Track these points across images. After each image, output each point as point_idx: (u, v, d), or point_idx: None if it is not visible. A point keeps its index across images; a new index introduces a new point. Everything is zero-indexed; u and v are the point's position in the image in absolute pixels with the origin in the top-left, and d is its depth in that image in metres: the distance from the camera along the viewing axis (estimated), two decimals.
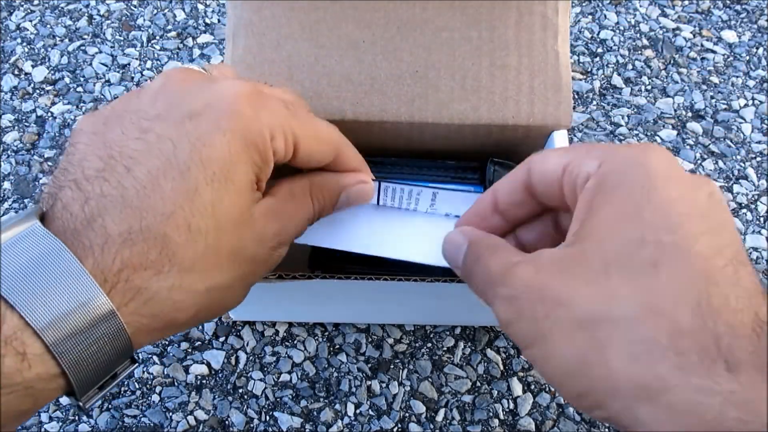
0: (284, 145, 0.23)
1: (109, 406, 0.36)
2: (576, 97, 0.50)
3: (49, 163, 0.45)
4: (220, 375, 0.37)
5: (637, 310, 0.18)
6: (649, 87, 0.51)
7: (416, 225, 0.32)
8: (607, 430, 0.36)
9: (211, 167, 0.21)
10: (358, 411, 0.36)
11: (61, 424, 0.36)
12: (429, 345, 0.39)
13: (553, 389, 0.37)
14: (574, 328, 0.19)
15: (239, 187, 0.22)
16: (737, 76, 0.51)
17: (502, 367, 0.38)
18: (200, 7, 0.54)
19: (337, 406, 0.37)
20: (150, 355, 0.38)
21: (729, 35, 0.54)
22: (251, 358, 0.38)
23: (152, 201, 0.20)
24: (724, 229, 0.19)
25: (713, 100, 0.50)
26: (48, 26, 0.52)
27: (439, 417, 0.36)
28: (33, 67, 0.50)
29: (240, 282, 0.24)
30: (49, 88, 0.49)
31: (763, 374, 0.17)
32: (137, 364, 0.22)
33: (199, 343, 0.38)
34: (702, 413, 0.16)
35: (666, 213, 0.19)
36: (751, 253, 0.43)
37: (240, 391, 0.37)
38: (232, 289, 0.24)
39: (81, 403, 0.20)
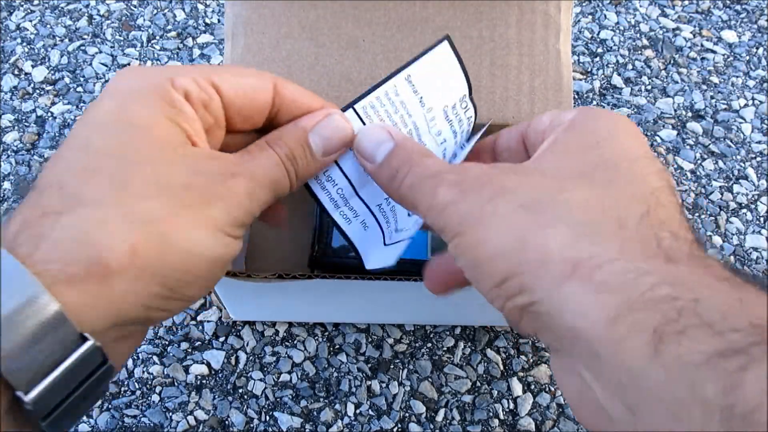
0: (197, 86, 0.22)
1: (109, 406, 0.36)
2: (576, 97, 0.50)
3: None
4: (220, 375, 0.37)
5: (586, 201, 0.19)
6: (649, 87, 0.51)
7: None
8: None
9: (103, 118, 0.21)
10: (358, 411, 0.36)
11: None
12: (429, 345, 0.39)
13: (553, 389, 0.37)
14: (517, 209, 0.19)
15: (143, 124, 0.21)
16: (737, 76, 0.51)
17: (502, 367, 0.38)
18: (200, 7, 0.54)
19: (337, 406, 0.37)
20: (150, 355, 0.38)
21: (729, 35, 0.54)
22: (251, 358, 0.38)
23: (51, 163, 0.20)
24: (666, 176, 0.21)
25: (713, 100, 0.50)
26: (48, 26, 0.52)
27: (439, 417, 0.36)
28: (33, 67, 0.50)
29: (184, 212, 0.20)
30: (49, 88, 0.49)
31: (702, 267, 0.17)
32: (91, 344, 0.18)
33: (199, 343, 0.38)
34: (632, 290, 0.16)
35: (625, 149, 0.21)
36: (751, 253, 0.43)
37: (240, 391, 0.37)
38: (173, 221, 0.20)
39: (30, 405, 0.17)
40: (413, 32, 0.36)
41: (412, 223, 0.27)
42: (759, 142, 0.48)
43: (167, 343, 0.38)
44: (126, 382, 0.37)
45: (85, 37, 0.52)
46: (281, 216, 0.27)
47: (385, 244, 0.28)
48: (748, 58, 0.52)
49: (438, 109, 0.26)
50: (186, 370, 0.37)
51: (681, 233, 0.18)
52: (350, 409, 0.36)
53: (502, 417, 0.36)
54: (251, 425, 0.36)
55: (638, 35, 0.54)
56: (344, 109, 0.25)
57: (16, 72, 0.50)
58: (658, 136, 0.48)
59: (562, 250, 0.18)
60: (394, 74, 0.27)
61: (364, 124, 0.26)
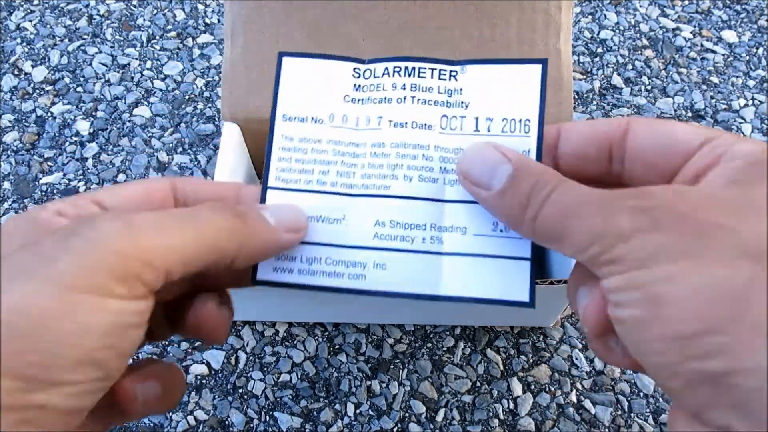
0: (73, 206, 0.20)
1: None
2: (576, 97, 0.50)
3: (49, 163, 0.45)
4: (220, 375, 0.37)
5: None
6: (649, 87, 0.51)
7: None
8: (607, 430, 0.36)
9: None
10: (358, 411, 0.36)
11: None
12: (429, 345, 0.39)
13: (553, 389, 0.37)
14: (740, 256, 0.16)
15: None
16: (737, 76, 0.51)
17: (502, 367, 0.38)
18: (200, 7, 0.54)
19: (337, 406, 0.37)
20: (150, 355, 0.38)
21: (729, 35, 0.54)
22: (251, 358, 0.38)
23: None
24: None
25: (713, 100, 0.50)
26: (48, 26, 0.52)
27: (439, 417, 0.36)
28: (33, 67, 0.50)
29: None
30: (49, 88, 0.49)
31: None
32: None
33: (199, 343, 0.38)
34: None
35: None
36: None
37: (240, 391, 0.37)
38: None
39: None
40: (413, 31, 0.36)
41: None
42: None
43: (167, 343, 0.38)
44: None
45: (85, 37, 0.52)
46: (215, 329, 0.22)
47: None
48: (748, 58, 0.52)
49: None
50: (186, 370, 0.37)
51: None
52: (350, 409, 0.36)
53: (502, 417, 0.36)
54: (251, 425, 0.36)
55: (638, 35, 0.54)
56: None
57: (16, 72, 0.50)
58: None
59: None
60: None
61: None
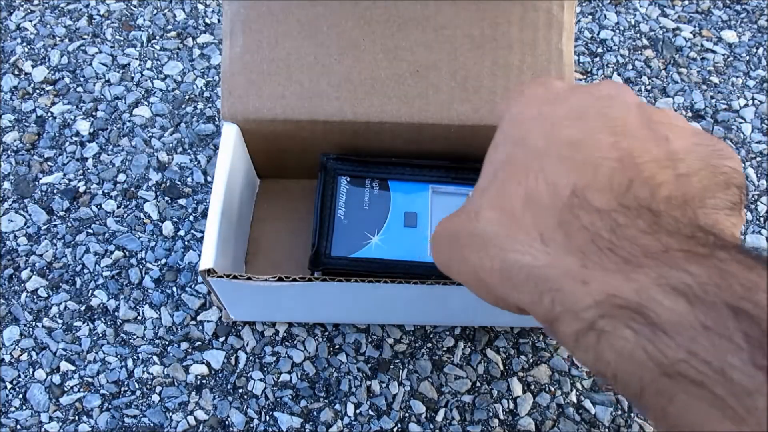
0: None
1: (109, 406, 0.36)
2: None
3: (49, 163, 0.45)
4: (220, 375, 0.37)
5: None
6: (649, 87, 0.51)
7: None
8: (607, 430, 0.36)
9: None
10: (358, 411, 0.36)
11: (61, 424, 0.36)
12: (429, 345, 0.39)
13: (553, 389, 0.37)
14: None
15: None
16: (737, 76, 0.51)
17: (502, 367, 0.38)
18: (200, 7, 0.54)
19: (337, 406, 0.37)
20: (150, 356, 0.38)
21: (729, 35, 0.54)
22: (251, 358, 0.38)
23: None
24: (566, 141, 0.23)
25: (713, 100, 0.50)
26: (48, 26, 0.52)
27: (439, 417, 0.36)
28: (33, 67, 0.50)
29: None
30: (49, 88, 0.49)
31: (567, 239, 0.19)
32: None
33: (199, 343, 0.38)
34: (526, 287, 0.20)
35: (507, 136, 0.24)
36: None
37: (240, 391, 0.37)
38: None
39: None
40: (414, 31, 0.36)
41: None
42: (759, 142, 0.48)
43: (167, 343, 0.38)
44: (126, 382, 0.37)
45: (85, 37, 0.52)
46: None
47: None
48: (748, 58, 0.52)
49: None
50: (186, 370, 0.37)
51: (555, 200, 0.20)
52: (350, 409, 0.36)
53: (502, 417, 0.36)
54: (251, 425, 0.36)
55: (638, 35, 0.54)
56: None
57: (16, 72, 0.50)
58: None
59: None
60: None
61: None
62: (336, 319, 0.39)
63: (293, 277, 0.31)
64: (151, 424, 0.36)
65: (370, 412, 0.36)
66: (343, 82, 0.36)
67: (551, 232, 0.19)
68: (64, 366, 0.37)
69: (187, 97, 0.49)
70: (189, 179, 0.45)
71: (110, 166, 0.45)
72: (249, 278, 0.31)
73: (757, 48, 0.53)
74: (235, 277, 0.31)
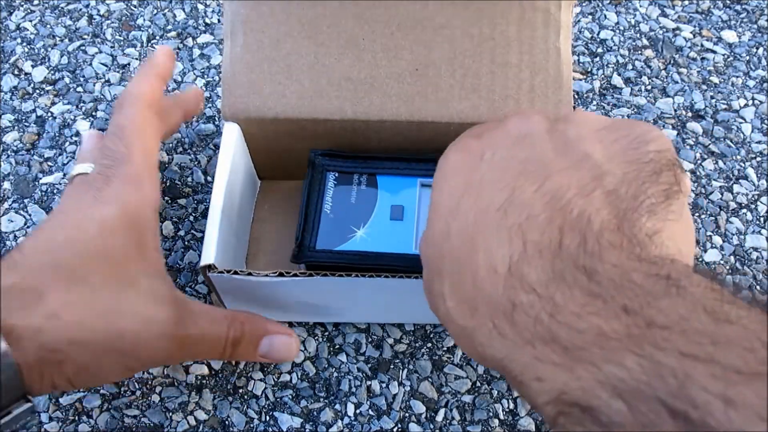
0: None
1: (109, 406, 0.36)
2: (576, 97, 0.50)
3: (49, 163, 0.45)
4: (220, 375, 0.37)
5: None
6: (649, 87, 0.51)
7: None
8: None
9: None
10: (358, 411, 0.36)
11: (61, 424, 0.35)
12: (429, 345, 0.39)
13: None
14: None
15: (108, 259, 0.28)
16: (737, 76, 0.51)
17: None
18: (200, 7, 0.54)
19: (337, 406, 0.36)
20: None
21: (729, 35, 0.54)
22: None
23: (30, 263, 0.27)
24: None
25: (713, 100, 0.50)
26: (48, 26, 0.52)
27: (439, 417, 0.36)
28: (33, 67, 0.50)
29: (107, 338, 0.27)
30: (49, 88, 0.49)
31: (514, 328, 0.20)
32: (31, 404, 0.26)
33: None
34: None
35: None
36: (751, 253, 0.43)
37: (240, 391, 0.37)
38: (96, 341, 0.27)
39: None
40: (413, 30, 0.36)
41: None
42: (759, 142, 0.48)
43: None
44: (126, 383, 0.37)
45: (85, 37, 0.52)
46: None
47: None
48: (748, 58, 0.52)
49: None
50: (186, 370, 0.37)
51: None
52: (350, 409, 0.36)
53: (502, 417, 0.36)
54: (251, 425, 0.36)
55: (638, 35, 0.54)
56: None
57: (16, 72, 0.50)
58: None
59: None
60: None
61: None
62: (337, 317, 0.39)
63: (294, 273, 0.31)
64: (151, 424, 0.36)
65: (371, 412, 0.36)
66: (343, 81, 0.36)
67: (500, 322, 0.19)
68: None
69: None
70: (189, 179, 0.45)
71: None
72: (249, 274, 0.31)
73: (757, 48, 0.53)
74: (236, 273, 0.31)
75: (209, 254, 0.31)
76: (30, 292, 0.26)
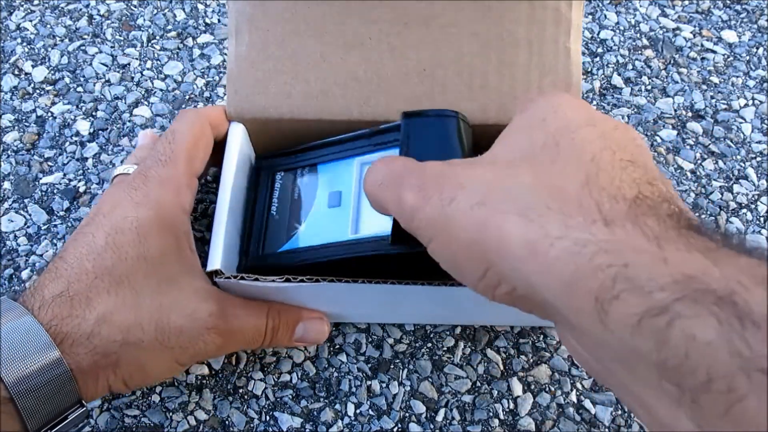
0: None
1: (110, 407, 0.36)
2: None
3: (49, 163, 0.45)
4: (220, 375, 0.37)
5: (532, 183, 0.20)
6: (649, 87, 0.51)
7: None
8: (607, 430, 0.36)
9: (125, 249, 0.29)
10: (358, 411, 0.36)
11: None
12: (429, 345, 0.39)
13: (553, 389, 0.37)
14: (473, 204, 0.21)
15: (153, 258, 0.29)
16: (737, 76, 0.51)
17: (502, 367, 0.38)
18: (200, 7, 0.54)
19: (338, 406, 0.37)
20: None
21: (729, 35, 0.54)
22: (251, 358, 0.38)
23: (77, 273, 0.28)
24: (615, 151, 0.21)
25: (713, 100, 0.50)
26: (48, 26, 0.52)
27: (439, 417, 0.36)
28: (33, 67, 0.50)
29: (157, 336, 0.29)
30: (49, 88, 0.49)
31: (636, 227, 0.18)
32: (85, 408, 0.28)
33: None
34: (577, 261, 0.18)
35: (567, 122, 0.22)
36: None
37: (240, 391, 0.37)
38: (150, 355, 0.29)
39: None
40: (420, 30, 0.36)
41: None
42: (759, 142, 0.48)
43: None
44: None
45: (85, 37, 0.52)
46: None
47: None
48: (748, 58, 0.52)
49: None
50: (186, 370, 0.37)
51: (620, 193, 0.19)
52: (350, 409, 0.36)
53: (502, 417, 0.36)
54: (251, 425, 0.36)
55: (638, 35, 0.54)
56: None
57: (16, 72, 0.50)
58: (658, 136, 0.48)
59: (517, 237, 0.19)
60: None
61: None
62: (337, 319, 0.39)
63: (300, 279, 0.30)
64: (152, 424, 0.36)
65: (371, 412, 0.36)
66: (350, 81, 0.36)
67: (619, 215, 0.18)
68: None
69: (187, 97, 0.49)
70: None
71: (110, 166, 0.45)
72: (256, 279, 0.31)
73: (757, 48, 0.53)
74: (242, 278, 0.31)
75: (216, 259, 0.31)
76: (78, 298, 0.27)
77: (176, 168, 0.32)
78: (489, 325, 0.39)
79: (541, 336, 0.39)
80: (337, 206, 0.33)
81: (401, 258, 0.29)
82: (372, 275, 0.30)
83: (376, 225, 0.30)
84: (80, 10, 0.53)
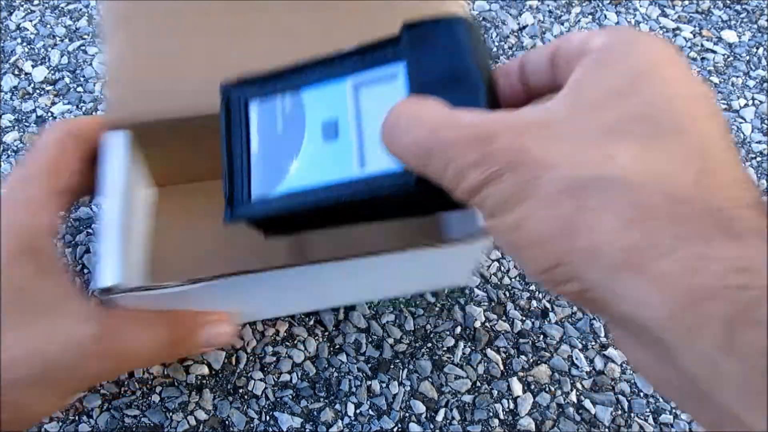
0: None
1: (109, 406, 0.36)
2: None
3: None
4: (220, 375, 0.37)
5: (636, 175, 0.17)
6: None
7: None
8: (607, 430, 0.36)
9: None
10: (358, 411, 0.36)
11: (61, 424, 0.36)
12: (429, 345, 0.39)
13: (553, 389, 0.37)
14: (562, 191, 0.18)
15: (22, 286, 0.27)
16: (737, 76, 0.51)
17: (502, 367, 0.38)
18: None
19: (338, 406, 0.37)
20: None
21: (729, 35, 0.54)
22: (251, 358, 0.38)
23: None
24: (720, 118, 0.19)
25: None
26: (48, 26, 0.52)
27: (439, 417, 0.36)
28: (33, 67, 0.50)
29: (34, 372, 0.26)
30: (49, 88, 0.49)
31: (764, 241, 0.16)
32: None
33: None
34: (699, 281, 0.16)
35: (669, 88, 0.19)
36: None
37: (240, 391, 0.37)
38: (23, 377, 0.26)
39: None
40: (317, 8, 0.33)
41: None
42: (759, 142, 0.48)
43: None
44: (126, 383, 0.37)
45: (85, 37, 0.52)
46: None
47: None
48: (748, 58, 0.52)
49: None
50: (186, 370, 0.37)
51: (742, 195, 0.17)
52: (350, 409, 0.37)
53: (502, 417, 0.36)
54: (251, 425, 0.36)
55: None
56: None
57: (16, 72, 0.50)
58: None
59: (612, 240, 0.17)
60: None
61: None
62: (251, 317, 0.38)
63: (201, 278, 0.28)
64: (152, 424, 0.36)
65: (371, 412, 0.36)
66: (242, 70, 0.30)
67: (745, 228, 0.17)
68: None
69: None
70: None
71: None
72: (159, 287, 0.28)
73: (757, 48, 0.53)
74: (147, 289, 0.28)
75: (107, 274, 0.28)
76: None
77: (32, 186, 0.29)
78: (460, 286, 0.39)
79: (541, 336, 0.39)
80: (335, 138, 0.27)
81: (423, 196, 0.24)
82: (383, 216, 0.27)
83: (386, 157, 0.25)
84: (80, 10, 0.53)
